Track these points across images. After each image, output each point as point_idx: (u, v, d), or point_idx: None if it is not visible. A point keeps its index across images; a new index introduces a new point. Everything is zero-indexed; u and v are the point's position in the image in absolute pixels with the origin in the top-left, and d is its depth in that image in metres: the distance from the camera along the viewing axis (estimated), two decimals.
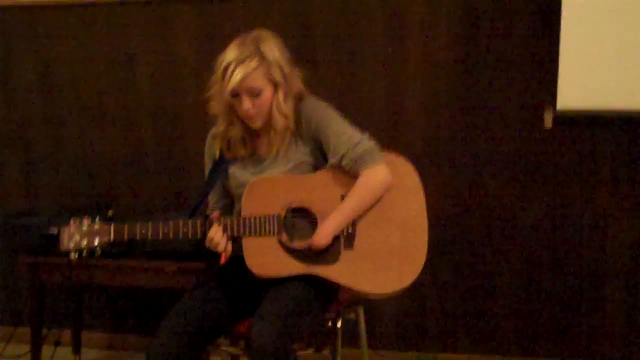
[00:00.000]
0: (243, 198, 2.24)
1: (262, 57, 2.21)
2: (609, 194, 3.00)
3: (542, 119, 2.78)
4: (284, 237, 2.23)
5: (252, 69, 2.19)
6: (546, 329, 3.13)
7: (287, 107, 2.27)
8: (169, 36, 3.30)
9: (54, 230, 2.25)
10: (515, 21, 2.96)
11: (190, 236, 2.20)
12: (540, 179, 3.05)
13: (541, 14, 2.91)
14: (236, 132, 2.32)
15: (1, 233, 3.13)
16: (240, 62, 2.19)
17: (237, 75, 2.18)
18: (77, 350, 3.43)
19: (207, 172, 2.43)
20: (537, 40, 2.94)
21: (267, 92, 2.24)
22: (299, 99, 2.32)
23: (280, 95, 2.26)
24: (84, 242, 2.20)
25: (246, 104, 2.22)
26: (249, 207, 2.23)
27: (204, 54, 2.26)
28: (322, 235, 2.22)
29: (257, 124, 2.27)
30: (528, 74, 2.98)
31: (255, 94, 2.22)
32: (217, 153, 2.39)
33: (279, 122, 2.27)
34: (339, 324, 2.39)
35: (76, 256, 2.21)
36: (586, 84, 2.74)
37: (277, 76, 2.24)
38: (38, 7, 3.38)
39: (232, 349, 2.52)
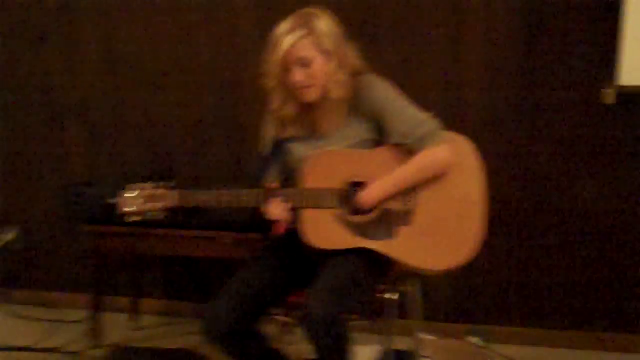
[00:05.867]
0: (304, 170, 2.25)
1: (311, 28, 2.22)
2: None
3: (603, 97, 2.73)
4: (343, 211, 2.24)
5: (299, 38, 2.19)
6: (600, 303, 3.12)
7: (342, 77, 2.25)
8: (229, 9, 3.32)
9: (115, 200, 2.29)
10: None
11: (250, 205, 2.24)
12: (598, 157, 3.02)
13: None
14: (289, 110, 2.32)
15: (64, 203, 3.19)
16: (288, 33, 2.20)
17: (286, 44, 2.19)
18: (135, 316, 3.54)
19: (264, 149, 2.43)
20: (599, 17, 2.89)
21: (319, 61, 2.22)
22: (357, 74, 2.30)
23: (333, 65, 2.24)
24: (147, 207, 2.23)
25: (297, 75, 2.21)
26: (309, 179, 2.25)
27: (264, 26, 2.26)
28: (368, 196, 2.23)
29: (312, 96, 2.25)
30: (589, 51, 2.94)
31: (305, 63, 2.21)
32: (275, 132, 2.40)
33: (334, 91, 2.25)
34: (393, 296, 2.41)
35: (139, 219, 2.25)
36: None
37: (328, 45, 2.22)
38: None
39: (286, 319, 2.56)
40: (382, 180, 2.23)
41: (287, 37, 2.20)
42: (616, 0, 2.66)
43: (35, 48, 3.59)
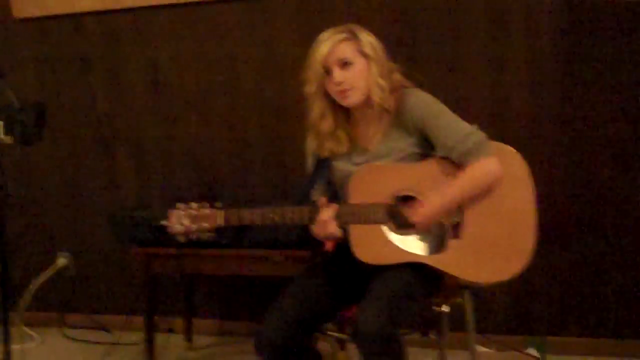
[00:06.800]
0: (350, 185, 2.24)
1: (353, 34, 2.23)
2: None
3: None
4: (391, 225, 2.23)
5: (340, 40, 2.21)
6: None
7: (384, 82, 2.24)
8: (270, 33, 3.36)
9: (164, 222, 2.33)
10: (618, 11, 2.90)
11: (297, 221, 2.24)
12: None
13: None
14: (328, 125, 2.31)
15: (115, 227, 3.24)
16: (329, 37, 2.22)
17: (326, 46, 2.20)
18: (189, 337, 3.56)
19: (308, 166, 2.44)
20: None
21: (359, 64, 2.22)
22: (400, 88, 2.29)
23: (374, 69, 2.23)
24: (194, 226, 2.25)
25: (337, 75, 2.20)
26: (356, 194, 2.24)
27: (305, 49, 2.30)
28: (424, 216, 2.19)
29: (353, 99, 2.23)
30: (635, 56, 2.91)
31: (346, 65, 2.20)
32: (316, 150, 2.38)
33: (376, 96, 2.23)
34: (445, 309, 2.39)
35: (185, 240, 2.27)
36: None
37: (369, 51, 2.23)
38: (144, 9, 3.49)
39: (339, 335, 2.54)
40: (436, 197, 2.20)
41: (327, 40, 2.22)
42: None
43: (80, 75, 3.67)
